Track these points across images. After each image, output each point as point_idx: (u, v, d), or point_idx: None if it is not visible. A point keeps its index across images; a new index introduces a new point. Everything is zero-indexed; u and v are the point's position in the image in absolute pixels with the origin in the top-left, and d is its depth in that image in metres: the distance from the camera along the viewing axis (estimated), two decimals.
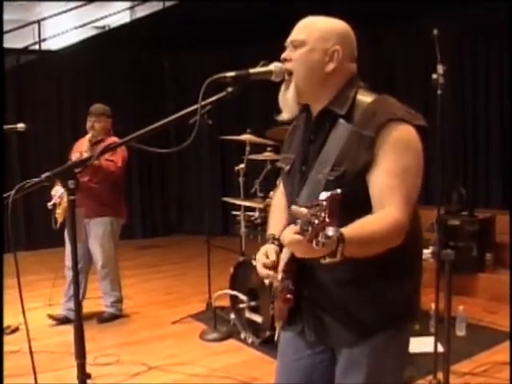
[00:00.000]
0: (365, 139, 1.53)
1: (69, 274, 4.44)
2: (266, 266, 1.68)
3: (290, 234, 1.32)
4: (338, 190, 1.27)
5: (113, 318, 4.66)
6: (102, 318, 4.62)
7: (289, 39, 1.66)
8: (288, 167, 1.76)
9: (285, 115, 1.68)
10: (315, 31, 1.62)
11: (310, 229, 1.24)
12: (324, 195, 1.25)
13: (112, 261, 4.62)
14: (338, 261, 1.34)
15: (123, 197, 4.72)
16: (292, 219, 1.46)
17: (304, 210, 1.26)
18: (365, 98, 1.62)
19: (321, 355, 1.75)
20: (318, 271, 1.62)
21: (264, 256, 1.71)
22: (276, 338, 1.88)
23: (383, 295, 1.62)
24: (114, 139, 4.46)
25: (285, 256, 1.68)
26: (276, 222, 1.86)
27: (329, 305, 1.66)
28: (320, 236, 1.24)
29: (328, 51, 1.62)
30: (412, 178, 1.54)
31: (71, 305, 4.37)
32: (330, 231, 1.24)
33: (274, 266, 1.68)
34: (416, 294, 1.72)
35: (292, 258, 1.62)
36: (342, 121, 1.61)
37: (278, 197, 1.95)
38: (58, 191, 4.27)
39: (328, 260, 1.34)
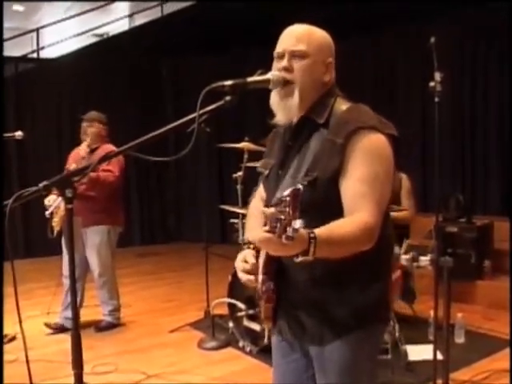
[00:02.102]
0: (336, 146, 1.58)
1: (66, 282, 4.43)
2: (246, 272, 1.72)
3: (260, 234, 1.34)
4: (299, 186, 1.32)
5: (111, 326, 4.64)
6: (100, 327, 4.60)
7: (286, 48, 1.66)
8: (267, 172, 1.83)
9: (282, 119, 1.69)
10: (315, 42, 1.67)
11: (278, 225, 1.29)
12: (287, 192, 1.30)
13: (109, 269, 4.60)
14: (310, 260, 1.39)
15: (121, 204, 4.71)
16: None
17: (272, 209, 1.32)
18: (341, 106, 1.67)
19: (306, 359, 1.79)
20: (293, 271, 1.67)
21: (243, 262, 1.75)
22: (266, 339, 1.94)
23: (354, 296, 1.66)
24: (109, 147, 4.46)
25: (263, 257, 1.71)
26: (252, 227, 1.91)
27: (303, 304, 1.70)
28: (288, 231, 1.28)
29: (325, 62, 1.68)
30: (381, 184, 1.58)
31: (68, 313, 4.37)
32: (297, 224, 1.29)
33: (254, 271, 1.72)
34: (384, 298, 1.76)
35: (269, 259, 1.66)
36: (319, 128, 1.66)
37: (255, 202, 1.99)
38: (51, 201, 4.27)
39: (301, 258, 1.39)
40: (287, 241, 1.29)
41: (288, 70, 1.65)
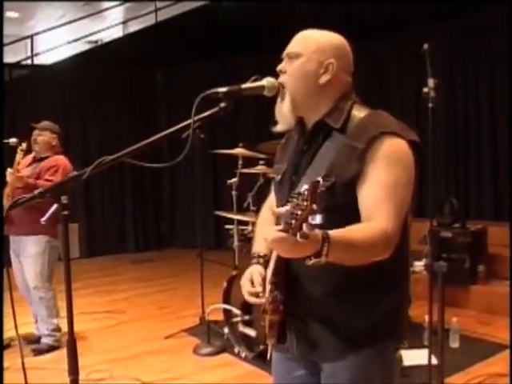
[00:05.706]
0: (355, 151, 1.53)
1: (26, 294, 4.25)
2: (252, 295, 1.66)
3: (272, 233, 1.26)
4: (318, 178, 1.25)
5: (50, 349, 4.19)
6: (38, 350, 4.18)
7: (285, 51, 1.67)
8: (279, 177, 1.76)
9: (280, 127, 1.67)
10: (311, 43, 1.63)
11: (293, 222, 1.21)
12: (304, 187, 1.23)
13: (46, 284, 4.20)
14: (323, 262, 1.31)
15: None
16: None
17: (286, 206, 1.24)
18: (359, 111, 1.63)
19: (312, 376, 1.72)
20: (307, 282, 1.60)
21: (249, 282, 1.68)
22: (269, 356, 1.85)
23: (369, 309, 1.59)
24: (60, 158, 4.35)
25: (272, 266, 1.65)
26: (261, 240, 1.82)
27: (314, 317, 1.62)
28: (304, 227, 1.21)
29: (323, 63, 1.62)
30: (402, 191, 1.52)
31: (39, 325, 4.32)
32: (316, 219, 1.22)
33: (259, 293, 1.64)
34: (402, 311, 1.68)
35: (279, 268, 1.59)
36: (335, 133, 1.61)
37: (264, 214, 1.93)
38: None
39: (313, 260, 1.31)
40: (302, 239, 1.20)
41: (282, 72, 1.65)
